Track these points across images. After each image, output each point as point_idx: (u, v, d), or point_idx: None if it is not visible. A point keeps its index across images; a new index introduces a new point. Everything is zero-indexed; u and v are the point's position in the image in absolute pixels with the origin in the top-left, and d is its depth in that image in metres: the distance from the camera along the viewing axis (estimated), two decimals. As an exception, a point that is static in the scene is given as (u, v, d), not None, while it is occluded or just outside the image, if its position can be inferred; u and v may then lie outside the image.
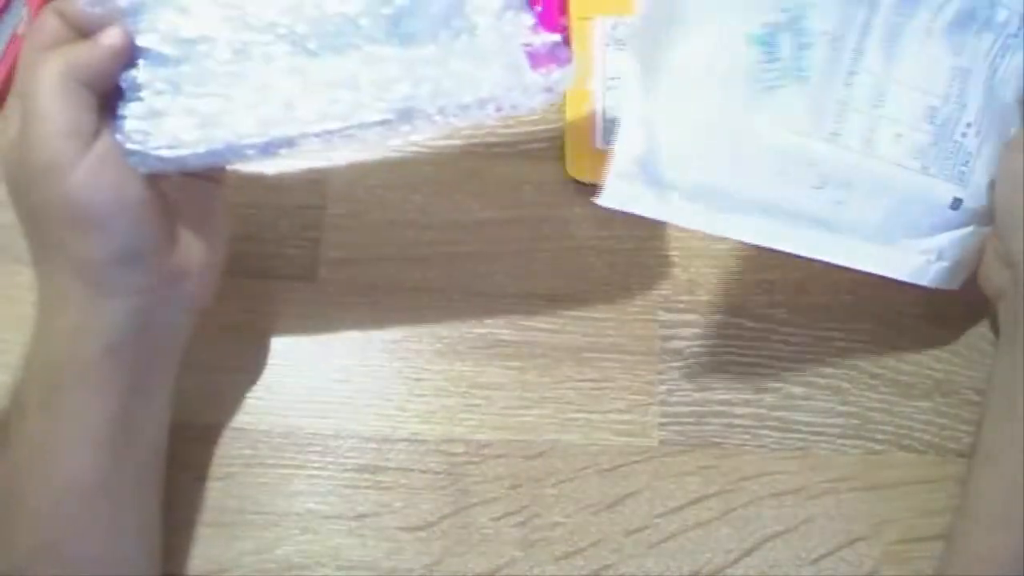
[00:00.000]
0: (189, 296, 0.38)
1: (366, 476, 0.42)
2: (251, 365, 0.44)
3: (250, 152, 0.35)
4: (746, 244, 0.46)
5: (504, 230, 0.47)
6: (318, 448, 0.43)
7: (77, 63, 0.33)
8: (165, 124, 0.35)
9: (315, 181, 0.48)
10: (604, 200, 0.37)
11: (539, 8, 0.36)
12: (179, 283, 0.37)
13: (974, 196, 0.40)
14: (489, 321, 0.45)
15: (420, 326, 0.45)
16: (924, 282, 0.41)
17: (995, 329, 0.44)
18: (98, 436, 0.35)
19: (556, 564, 0.41)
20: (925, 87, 0.39)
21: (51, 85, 0.33)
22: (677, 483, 0.42)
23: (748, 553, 0.41)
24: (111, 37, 0.34)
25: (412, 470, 0.43)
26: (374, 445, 0.43)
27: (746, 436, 0.43)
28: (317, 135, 0.35)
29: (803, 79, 0.38)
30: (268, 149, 0.35)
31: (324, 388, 0.44)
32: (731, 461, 0.43)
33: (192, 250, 0.37)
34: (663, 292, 0.46)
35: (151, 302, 0.36)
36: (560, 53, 0.35)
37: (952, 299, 0.45)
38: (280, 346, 0.45)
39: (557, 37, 0.35)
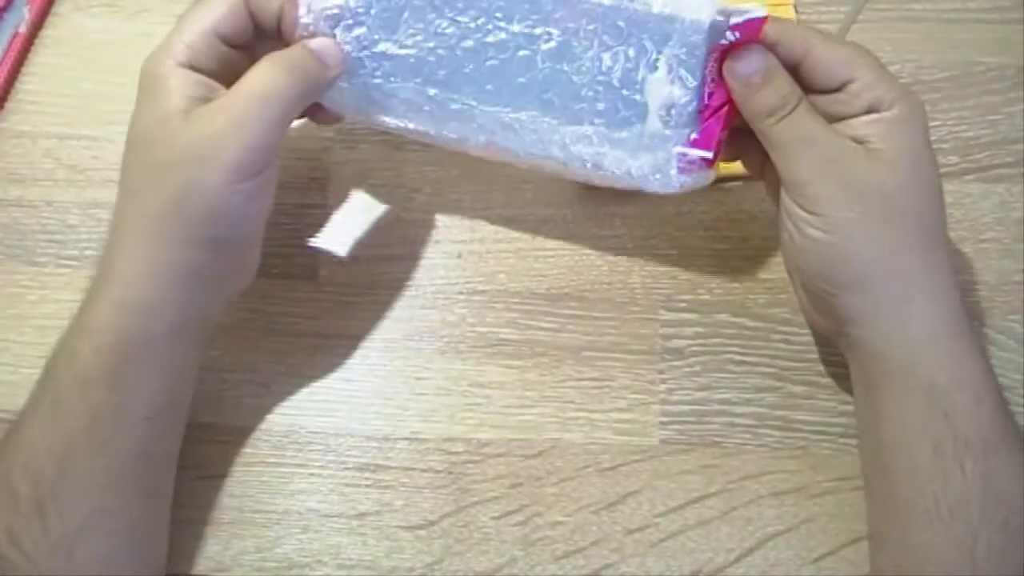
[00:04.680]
0: (238, 283, 0.39)
1: (367, 475, 0.42)
2: (252, 365, 0.44)
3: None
4: (745, 243, 0.47)
5: (504, 230, 0.47)
6: (319, 447, 0.43)
7: (305, 93, 0.37)
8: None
9: (316, 180, 0.48)
10: None
11: (705, 120, 0.39)
12: (240, 271, 0.39)
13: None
14: (490, 320, 0.45)
15: (420, 326, 0.45)
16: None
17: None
18: (152, 411, 0.36)
19: (556, 563, 0.41)
20: None
21: (278, 108, 0.35)
22: (678, 482, 0.42)
23: (749, 552, 0.41)
24: (336, 66, 0.38)
25: (413, 469, 0.43)
26: (375, 444, 0.43)
27: (747, 435, 0.43)
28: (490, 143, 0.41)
29: None
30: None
31: (324, 387, 0.44)
32: (732, 460, 0.43)
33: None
34: (664, 291, 0.46)
35: (218, 287, 0.38)
36: (704, 167, 0.39)
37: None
38: (280, 346, 0.45)
39: (708, 154, 0.39)
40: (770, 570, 0.41)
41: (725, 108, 0.38)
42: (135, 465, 0.36)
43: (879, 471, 0.38)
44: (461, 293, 0.46)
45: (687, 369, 0.44)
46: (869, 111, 0.36)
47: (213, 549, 0.41)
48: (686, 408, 0.44)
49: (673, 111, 0.38)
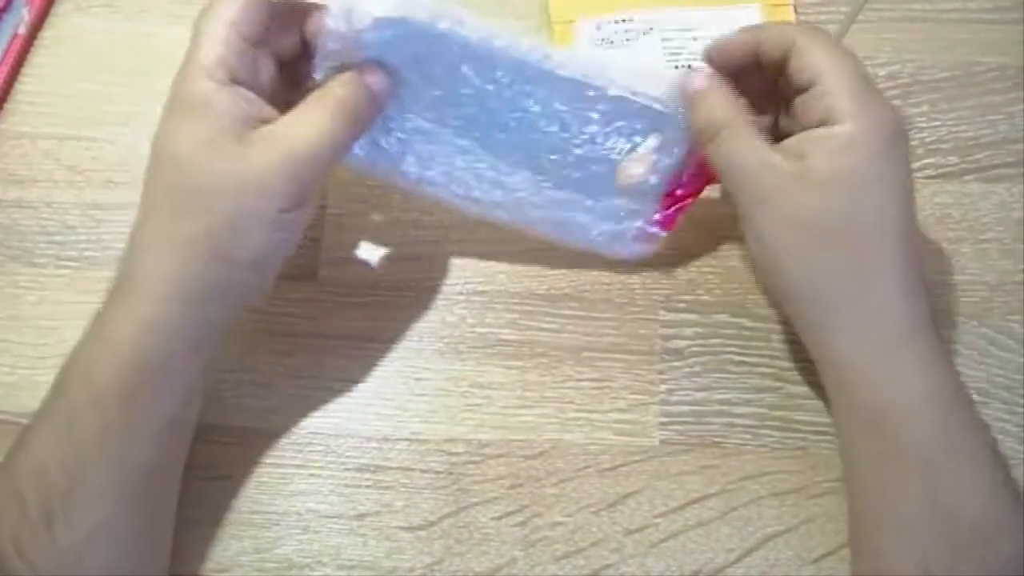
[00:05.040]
0: (256, 301, 0.39)
1: (367, 475, 0.42)
2: (252, 365, 0.44)
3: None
4: (741, 243, 0.47)
5: (504, 230, 0.47)
6: (319, 447, 0.43)
7: (357, 134, 0.37)
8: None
9: (315, 181, 0.48)
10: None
11: (668, 206, 0.43)
12: (261, 291, 0.39)
13: None
14: (489, 321, 0.45)
15: (420, 326, 0.45)
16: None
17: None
18: (164, 425, 0.36)
19: (556, 563, 0.41)
20: None
21: (330, 148, 0.36)
22: (678, 483, 0.42)
23: (749, 552, 0.41)
24: (379, 83, 0.37)
25: (413, 469, 0.43)
26: (375, 444, 0.43)
27: (747, 436, 0.43)
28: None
29: None
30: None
31: (324, 388, 0.44)
32: (732, 460, 0.43)
33: None
34: (664, 292, 0.46)
35: (240, 306, 0.38)
36: (653, 240, 0.44)
37: (952, 299, 0.45)
38: (280, 346, 0.44)
39: (663, 234, 0.43)
40: (770, 570, 0.41)
41: (690, 200, 0.42)
42: (144, 477, 0.36)
43: (845, 480, 0.39)
44: (461, 293, 0.46)
45: (687, 369, 0.44)
46: (820, 123, 0.36)
47: (213, 549, 0.41)
48: (686, 408, 0.44)
49: (644, 188, 0.42)
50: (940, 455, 0.35)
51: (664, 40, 0.50)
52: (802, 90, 0.36)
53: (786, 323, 0.45)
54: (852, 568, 0.40)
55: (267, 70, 0.37)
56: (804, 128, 0.36)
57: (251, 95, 0.36)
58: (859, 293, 0.36)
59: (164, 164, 0.36)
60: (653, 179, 0.41)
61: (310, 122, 0.36)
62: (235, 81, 0.35)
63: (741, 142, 0.37)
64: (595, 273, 0.46)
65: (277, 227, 0.35)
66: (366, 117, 0.37)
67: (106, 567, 0.35)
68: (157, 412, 0.36)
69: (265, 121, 0.36)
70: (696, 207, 0.48)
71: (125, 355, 0.35)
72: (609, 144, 0.41)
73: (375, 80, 0.37)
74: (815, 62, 0.36)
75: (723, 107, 0.37)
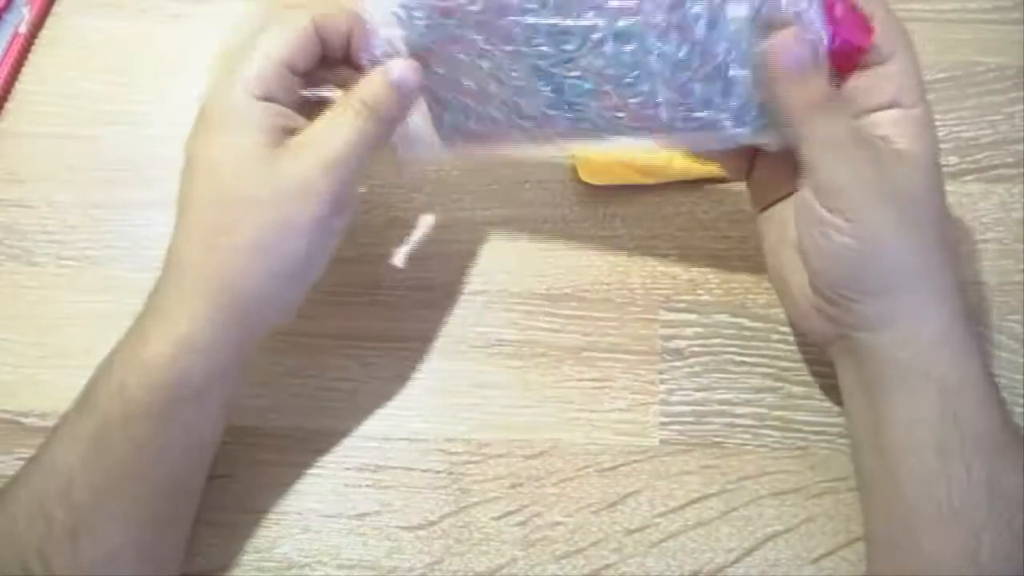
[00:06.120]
0: (288, 315, 0.39)
1: (367, 475, 0.42)
2: (251, 365, 0.44)
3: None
4: (745, 243, 0.47)
5: (504, 230, 0.47)
6: (318, 447, 0.43)
7: (386, 132, 0.37)
8: None
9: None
10: None
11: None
12: (294, 308, 0.39)
13: None
14: (489, 320, 0.45)
15: (420, 326, 0.45)
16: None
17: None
18: (192, 446, 0.37)
19: (556, 563, 0.41)
20: None
21: (358, 151, 0.36)
22: (678, 482, 0.42)
23: (749, 552, 0.41)
24: (405, 79, 0.37)
25: (413, 469, 0.43)
26: (374, 444, 0.43)
27: (747, 436, 0.43)
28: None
29: None
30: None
31: (324, 387, 0.44)
32: (732, 460, 0.43)
33: None
34: (664, 292, 0.46)
35: (273, 324, 0.38)
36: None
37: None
38: (280, 346, 0.44)
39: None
40: (770, 570, 0.41)
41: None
42: (171, 497, 0.37)
43: (880, 476, 0.37)
44: (461, 293, 0.46)
45: (687, 369, 0.44)
46: (892, 105, 0.35)
47: (213, 549, 0.41)
48: (686, 408, 0.44)
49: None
50: (1002, 437, 0.35)
51: None
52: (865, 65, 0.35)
53: (786, 323, 0.45)
54: (879, 570, 0.38)
55: (297, 84, 0.37)
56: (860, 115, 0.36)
57: (286, 110, 0.36)
58: (944, 267, 0.36)
59: (200, 174, 0.36)
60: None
61: (339, 126, 0.36)
62: (269, 99, 0.36)
63: (847, 120, 0.35)
64: (595, 273, 0.46)
65: (316, 235, 0.35)
66: (395, 115, 0.37)
67: None
68: (187, 434, 0.36)
69: (296, 131, 0.36)
70: (696, 207, 0.48)
71: (164, 376, 0.34)
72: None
73: (400, 76, 0.37)
74: (897, 35, 0.35)
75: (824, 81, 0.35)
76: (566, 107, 0.38)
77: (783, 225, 0.38)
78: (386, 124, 0.37)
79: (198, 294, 0.35)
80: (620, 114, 0.38)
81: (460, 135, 0.40)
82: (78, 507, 0.34)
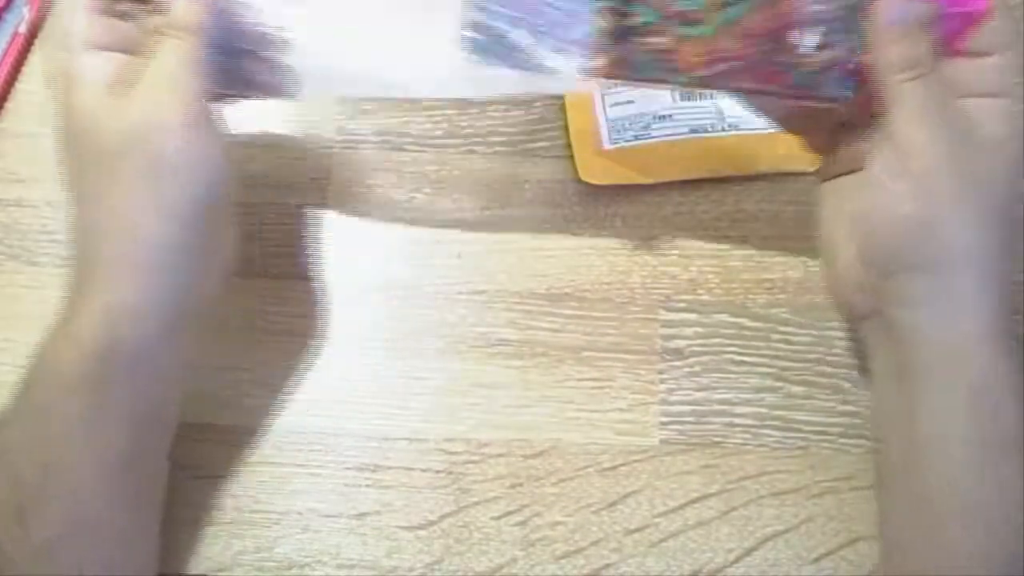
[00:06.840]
0: (226, 265, 0.38)
1: (366, 475, 0.42)
2: (251, 365, 0.44)
3: None
4: (745, 243, 0.47)
5: (504, 230, 0.47)
6: (318, 447, 0.43)
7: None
8: None
9: (316, 181, 0.48)
10: None
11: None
12: (218, 253, 0.38)
13: None
14: (489, 320, 0.45)
15: (420, 326, 0.45)
16: None
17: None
18: (139, 416, 0.36)
19: (556, 563, 0.41)
20: None
21: (191, 56, 0.35)
22: (678, 482, 0.42)
23: (749, 552, 0.41)
24: None
25: (413, 469, 0.43)
26: (374, 444, 0.43)
27: (747, 435, 0.43)
28: None
29: None
30: None
31: (324, 387, 0.44)
32: (732, 460, 0.43)
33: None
34: (664, 291, 0.46)
35: (203, 275, 0.37)
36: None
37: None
38: (280, 346, 0.44)
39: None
40: (770, 570, 0.41)
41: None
42: (122, 471, 0.36)
43: (906, 467, 0.36)
44: (461, 293, 0.46)
45: (687, 369, 0.44)
46: (990, 95, 0.35)
47: (213, 549, 0.41)
48: (686, 408, 0.44)
49: None
50: None
51: None
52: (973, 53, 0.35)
53: (786, 323, 0.45)
54: (896, 567, 0.38)
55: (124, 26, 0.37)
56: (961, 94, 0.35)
57: (112, 53, 0.36)
58: (1005, 255, 0.35)
59: (65, 155, 0.36)
60: None
61: (164, 54, 0.35)
62: (99, 47, 0.36)
63: (943, 86, 0.35)
64: (595, 273, 0.46)
65: (196, 148, 0.35)
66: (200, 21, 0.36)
67: (85, 565, 0.35)
68: (130, 402, 0.35)
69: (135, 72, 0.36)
70: (696, 207, 0.48)
71: (94, 344, 0.34)
72: None
73: None
74: (1002, 30, 0.35)
75: (931, 45, 0.34)
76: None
77: (844, 196, 0.38)
78: (199, 35, 0.36)
79: (111, 260, 0.35)
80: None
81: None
82: (23, 486, 0.34)
